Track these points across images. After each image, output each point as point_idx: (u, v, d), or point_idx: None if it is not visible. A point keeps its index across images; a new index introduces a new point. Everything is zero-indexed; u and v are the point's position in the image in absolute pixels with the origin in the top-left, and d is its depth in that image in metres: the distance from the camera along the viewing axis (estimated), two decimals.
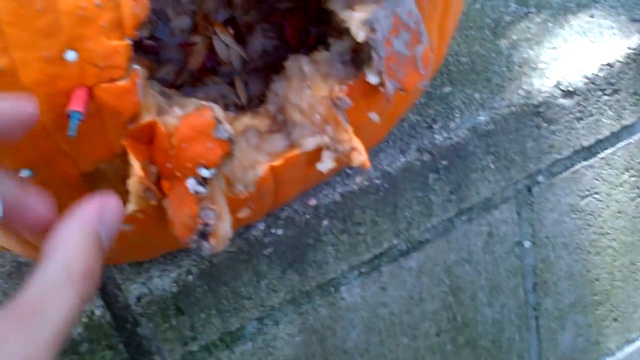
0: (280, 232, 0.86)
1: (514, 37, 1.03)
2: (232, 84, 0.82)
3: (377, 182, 0.90)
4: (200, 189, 0.62)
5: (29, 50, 0.55)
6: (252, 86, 0.82)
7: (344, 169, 0.88)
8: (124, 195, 0.66)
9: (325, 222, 0.89)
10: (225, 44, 0.87)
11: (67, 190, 0.64)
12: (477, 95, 0.95)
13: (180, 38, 0.85)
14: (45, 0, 0.54)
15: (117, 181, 0.67)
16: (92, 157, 0.62)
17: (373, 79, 0.67)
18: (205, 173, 0.62)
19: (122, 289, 0.83)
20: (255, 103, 0.79)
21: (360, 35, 0.64)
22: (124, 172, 0.66)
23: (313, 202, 0.88)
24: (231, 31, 0.88)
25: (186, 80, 0.82)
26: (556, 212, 1.07)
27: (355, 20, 0.63)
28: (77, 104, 0.55)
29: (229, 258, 0.85)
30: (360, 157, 0.68)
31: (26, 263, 0.89)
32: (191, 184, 0.62)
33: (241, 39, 0.90)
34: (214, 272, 0.85)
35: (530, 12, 1.07)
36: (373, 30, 0.63)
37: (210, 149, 0.61)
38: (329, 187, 0.89)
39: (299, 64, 0.70)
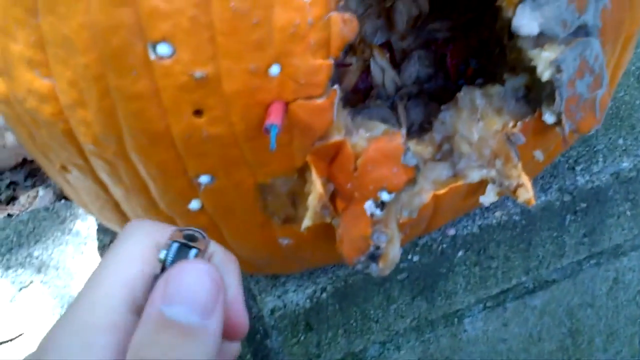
0: (416, 258, 0.87)
1: None
2: (392, 108, 0.83)
3: (516, 217, 0.90)
4: (377, 212, 0.63)
5: (237, 60, 0.57)
6: (412, 112, 0.82)
7: None
8: (287, 208, 0.68)
9: (460, 253, 0.89)
10: (380, 67, 0.88)
11: (238, 198, 0.66)
12: (620, 141, 0.95)
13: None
14: (261, 15, 0.55)
15: (283, 195, 0.68)
16: (272, 169, 0.63)
17: (550, 118, 0.67)
18: (385, 196, 0.63)
19: (257, 300, 0.84)
20: (414, 129, 0.80)
21: (546, 75, 0.64)
22: (294, 187, 0.67)
23: (452, 231, 0.88)
24: (387, 55, 0.89)
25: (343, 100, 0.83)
26: None
27: (543, 59, 0.64)
28: (275, 117, 0.57)
29: (363, 279, 0.86)
30: (527, 194, 0.68)
31: None
32: (369, 205, 0.63)
33: (395, 64, 0.90)
34: (347, 291, 0.85)
35: None
36: (559, 70, 0.63)
37: (395, 174, 0.62)
38: (468, 218, 0.89)
39: (471, 96, 0.71)
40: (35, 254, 0.96)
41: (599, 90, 0.66)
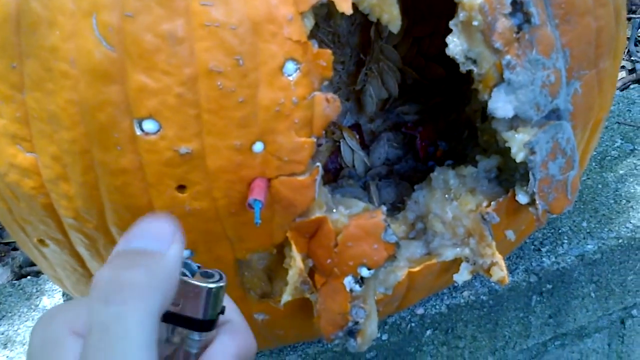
0: (385, 336, 0.87)
1: (620, 172, 1.06)
2: (364, 188, 0.84)
3: (483, 297, 0.91)
4: (357, 288, 0.64)
5: (221, 137, 0.58)
6: (383, 192, 0.84)
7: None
8: (264, 283, 0.68)
9: (428, 332, 0.90)
10: (350, 148, 0.90)
11: None
12: (584, 224, 0.97)
13: None
14: (247, 93, 0.57)
15: (260, 271, 0.69)
16: (252, 245, 0.64)
17: (523, 199, 0.69)
18: (365, 272, 0.64)
19: None
20: (387, 208, 0.81)
21: (520, 156, 0.66)
22: (271, 264, 0.68)
23: (420, 310, 0.89)
24: (357, 136, 0.90)
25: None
26: None
27: (517, 141, 0.66)
28: (259, 194, 0.58)
29: (333, 357, 0.86)
30: (501, 272, 0.69)
31: None
32: (348, 281, 0.64)
33: (364, 145, 0.92)
34: None
35: (636, 149, 1.10)
36: (533, 152, 0.66)
37: (376, 250, 0.63)
38: (436, 297, 0.90)
39: (444, 176, 0.73)
40: (1, 329, 0.95)
41: (570, 172, 0.69)
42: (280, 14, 0.56)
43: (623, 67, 1.85)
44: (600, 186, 1.03)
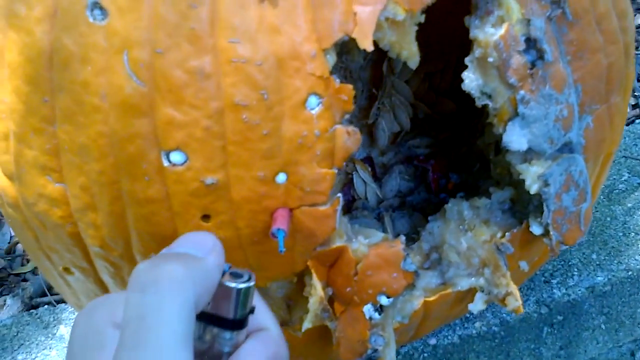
0: None
1: (628, 205, 1.08)
2: (378, 219, 0.86)
3: (495, 329, 0.92)
4: (376, 315, 0.66)
5: (246, 168, 0.60)
6: (397, 223, 0.86)
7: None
8: (282, 312, 0.70)
9: None
10: (362, 180, 0.92)
11: None
12: (594, 256, 0.99)
13: None
14: (271, 126, 0.59)
15: (279, 299, 0.70)
16: (273, 273, 0.66)
17: (537, 230, 0.70)
18: (384, 301, 0.65)
19: None
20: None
21: (534, 188, 0.68)
22: (290, 292, 0.70)
23: (433, 341, 0.90)
24: (369, 169, 0.92)
25: None
26: None
27: (532, 174, 0.68)
28: (282, 223, 0.59)
29: None
30: (516, 302, 0.71)
31: None
32: (368, 309, 0.66)
33: (376, 177, 0.94)
34: None
35: None
36: (547, 184, 0.67)
37: (395, 279, 0.65)
38: (449, 328, 0.91)
39: (458, 208, 0.75)
40: (19, 357, 0.96)
41: (583, 204, 0.70)
42: (304, 50, 0.58)
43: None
44: (609, 219, 1.05)
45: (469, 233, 0.73)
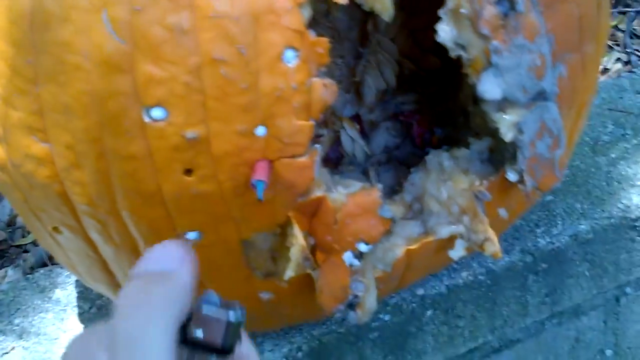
0: (387, 317, 0.91)
1: (612, 155, 1.09)
2: (364, 174, 0.88)
3: (481, 277, 0.94)
4: (356, 262, 0.68)
5: (226, 123, 0.61)
6: (383, 177, 0.87)
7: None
8: (268, 263, 0.72)
9: (429, 312, 0.93)
10: (350, 138, 0.93)
11: (224, 253, 0.70)
12: (577, 205, 1.01)
13: None
14: (249, 80, 0.60)
15: (264, 251, 0.72)
16: (256, 225, 0.67)
17: (512, 177, 0.72)
18: (363, 248, 0.67)
19: None
20: (385, 192, 0.85)
21: (509, 136, 0.70)
22: (274, 244, 0.71)
23: (420, 291, 0.92)
24: (357, 126, 0.94)
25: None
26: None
27: (506, 122, 0.69)
28: (261, 174, 0.61)
29: (337, 338, 0.89)
30: (493, 247, 0.73)
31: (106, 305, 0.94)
32: (347, 257, 0.67)
33: (364, 134, 0.96)
34: (322, 350, 0.89)
35: (627, 134, 1.13)
36: (521, 132, 0.69)
37: (373, 226, 0.67)
38: (436, 278, 0.94)
39: (438, 159, 0.76)
40: (16, 321, 0.98)
41: (557, 150, 0.72)
42: (280, 4, 0.60)
43: (619, 59, 1.88)
44: (593, 169, 1.07)
45: (449, 182, 0.75)
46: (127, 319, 0.40)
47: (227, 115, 0.61)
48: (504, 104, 0.69)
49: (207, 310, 0.44)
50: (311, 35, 0.61)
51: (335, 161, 0.94)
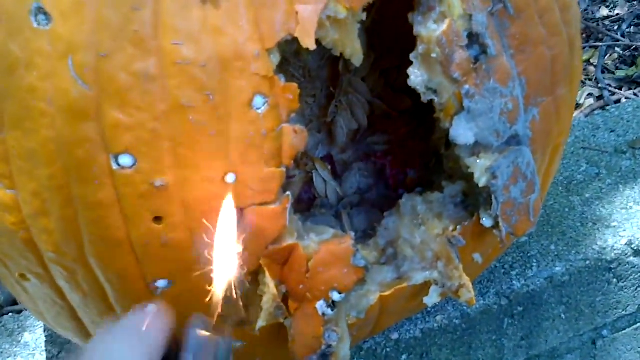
0: None
1: (586, 195, 1.09)
2: (337, 217, 0.87)
3: (456, 321, 0.93)
4: (329, 311, 0.66)
5: (195, 170, 0.60)
6: (355, 220, 0.86)
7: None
8: (239, 312, 0.70)
9: (404, 357, 0.92)
10: (322, 179, 0.92)
11: (194, 301, 0.68)
12: (552, 247, 1.00)
13: None
14: (217, 127, 0.59)
15: (235, 299, 0.71)
16: None
17: (487, 222, 0.71)
18: (336, 296, 0.66)
19: None
20: (358, 236, 0.84)
21: (482, 181, 0.69)
22: (246, 291, 0.70)
23: (395, 335, 0.91)
24: (329, 167, 0.93)
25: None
26: None
27: (480, 167, 0.69)
28: (229, 222, 0.60)
29: None
30: (468, 294, 0.72)
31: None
32: (320, 305, 0.66)
33: (336, 175, 0.95)
34: None
35: (601, 173, 1.13)
36: (495, 177, 0.68)
37: (346, 274, 0.65)
38: (410, 322, 0.92)
39: (412, 202, 0.76)
40: None
41: (532, 195, 0.72)
42: (247, 50, 0.59)
43: (590, 94, 1.89)
44: (567, 210, 1.07)
45: (423, 227, 0.74)
46: None
47: (196, 162, 0.60)
48: (477, 148, 0.69)
49: (195, 336, 0.43)
50: (281, 81, 0.60)
51: (307, 202, 0.93)
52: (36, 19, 0.60)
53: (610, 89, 1.92)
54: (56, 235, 0.64)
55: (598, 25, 2.18)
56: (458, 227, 0.72)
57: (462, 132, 0.67)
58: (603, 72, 2.00)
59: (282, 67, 0.61)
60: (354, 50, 0.64)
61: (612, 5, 2.28)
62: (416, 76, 0.67)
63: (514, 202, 0.71)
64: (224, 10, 0.59)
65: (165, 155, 0.60)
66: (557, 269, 0.97)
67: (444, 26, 0.65)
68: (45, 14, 0.59)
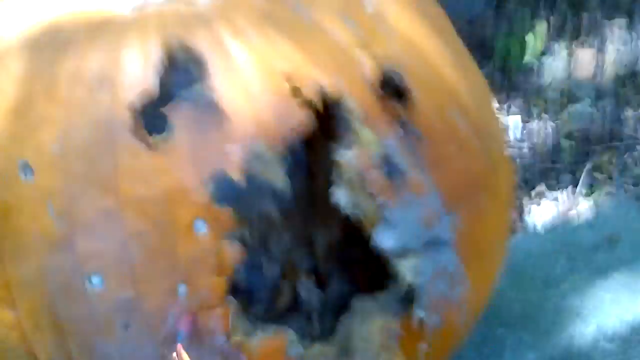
0: None
1: (562, 288, 1.18)
2: (309, 318, 0.98)
3: None
4: None
5: (152, 283, 0.74)
6: (325, 320, 0.98)
7: None
8: None
9: None
10: (307, 288, 1.04)
11: None
12: (526, 337, 1.09)
13: (271, 282, 1.03)
14: (167, 248, 0.73)
15: None
16: None
17: (420, 313, 0.82)
18: None
19: None
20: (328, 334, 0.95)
21: (408, 278, 0.80)
22: None
23: None
24: (313, 277, 1.05)
25: (272, 315, 0.99)
26: None
27: (404, 266, 0.80)
28: (182, 325, 0.73)
29: None
30: None
31: None
32: None
33: (321, 283, 1.07)
34: None
35: (578, 268, 1.22)
36: (418, 274, 0.80)
37: None
38: None
39: (362, 301, 0.87)
40: None
41: (457, 288, 0.82)
42: (189, 184, 0.73)
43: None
44: (543, 302, 1.15)
45: (370, 322, 0.85)
46: None
47: (152, 277, 0.74)
48: (402, 250, 0.80)
49: None
50: (216, 206, 0.73)
51: (294, 306, 1.04)
52: (24, 174, 0.75)
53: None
54: (49, 346, 0.78)
55: None
56: (395, 319, 0.83)
57: (384, 238, 0.79)
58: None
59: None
60: (281, 183, 0.77)
61: None
62: (339, 196, 0.79)
63: (440, 296, 0.81)
64: (169, 156, 0.74)
65: (127, 274, 0.74)
66: (530, 356, 1.05)
67: (358, 152, 0.77)
68: (30, 168, 0.75)
